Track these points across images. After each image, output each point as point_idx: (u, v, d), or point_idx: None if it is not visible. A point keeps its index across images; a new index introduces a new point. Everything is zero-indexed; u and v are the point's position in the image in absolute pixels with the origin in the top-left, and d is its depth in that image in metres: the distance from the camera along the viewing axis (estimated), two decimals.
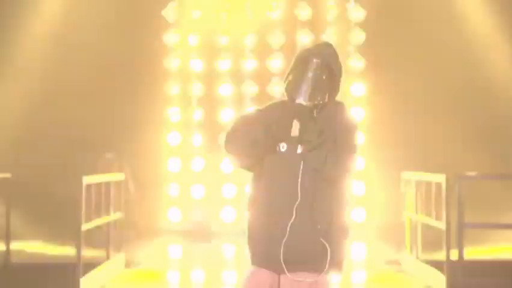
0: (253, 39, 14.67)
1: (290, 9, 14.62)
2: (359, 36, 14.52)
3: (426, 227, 10.18)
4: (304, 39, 14.41)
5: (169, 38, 14.71)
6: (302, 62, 4.20)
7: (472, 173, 10.62)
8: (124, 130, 14.64)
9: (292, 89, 4.17)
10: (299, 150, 4.08)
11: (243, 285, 4.17)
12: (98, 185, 9.74)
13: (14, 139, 14.56)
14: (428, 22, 14.69)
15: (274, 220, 4.10)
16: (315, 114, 4.14)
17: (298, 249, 4.06)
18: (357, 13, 14.53)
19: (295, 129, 4.08)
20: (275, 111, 4.18)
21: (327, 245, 4.09)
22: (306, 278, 4.07)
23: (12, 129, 14.60)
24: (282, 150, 4.16)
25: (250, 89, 14.65)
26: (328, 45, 4.26)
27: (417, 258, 9.92)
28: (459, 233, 8.54)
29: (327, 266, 4.10)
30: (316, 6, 14.63)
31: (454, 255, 8.60)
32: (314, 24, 14.61)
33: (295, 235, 4.05)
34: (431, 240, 11.42)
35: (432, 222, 9.47)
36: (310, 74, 4.15)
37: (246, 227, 4.21)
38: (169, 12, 14.71)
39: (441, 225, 8.91)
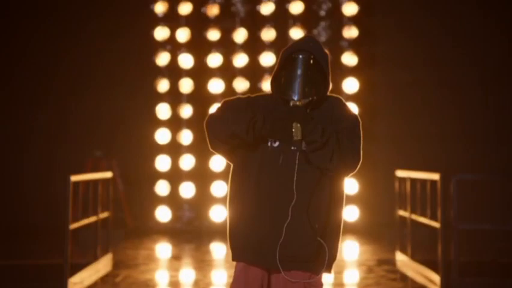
0: (244, 35, 14.70)
1: (282, 4, 14.65)
2: (351, 32, 14.57)
3: (421, 226, 10.23)
4: (296, 35, 14.44)
5: (158, 33, 14.71)
6: (288, 60, 4.17)
7: (468, 172, 10.68)
8: (112, 127, 14.66)
9: (283, 89, 4.13)
10: (303, 148, 4.04)
11: (234, 282, 4.18)
12: (86, 183, 9.75)
13: (2, 135, 14.57)
14: (423, 17, 14.75)
15: (268, 220, 4.08)
16: (308, 111, 4.11)
17: (295, 249, 4.07)
18: (350, 8, 14.57)
19: (297, 132, 4.05)
20: (264, 107, 4.15)
21: (324, 245, 4.12)
22: (300, 277, 4.09)
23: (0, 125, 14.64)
24: (274, 145, 4.14)
25: (241, 85, 14.68)
26: (311, 39, 4.23)
27: (411, 257, 9.96)
28: (454, 233, 8.59)
29: (325, 265, 4.13)
30: (308, 1, 14.67)
31: (449, 254, 8.65)
32: (306, 20, 14.65)
33: (291, 235, 4.05)
34: (425, 239, 11.49)
35: (427, 221, 9.52)
36: (299, 72, 4.12)
37: (229, 221, 4.18)
38: (158, 7, 14.72)
39: (436, 224, 8.97)
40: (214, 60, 14.70)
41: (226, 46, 14.73)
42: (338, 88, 14.37)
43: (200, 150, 14.42)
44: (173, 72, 14.72)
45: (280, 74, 4.18)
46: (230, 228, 4.18)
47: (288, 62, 4.16)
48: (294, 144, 4.05)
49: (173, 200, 14.58)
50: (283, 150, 4.11)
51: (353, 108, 14.36)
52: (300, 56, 4.14)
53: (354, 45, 14.56)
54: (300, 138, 4.04)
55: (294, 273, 4.10)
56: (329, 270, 4.16)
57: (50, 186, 13.90)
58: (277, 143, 4.13)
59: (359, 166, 4.11)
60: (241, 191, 4.16)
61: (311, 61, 4.14)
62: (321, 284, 4.18)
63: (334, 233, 4.15)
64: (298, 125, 4.05)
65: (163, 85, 14.70)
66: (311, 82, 4.12)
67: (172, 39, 14.72)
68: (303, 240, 4.06)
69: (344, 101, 4.27)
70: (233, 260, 4.19)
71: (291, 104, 4.09)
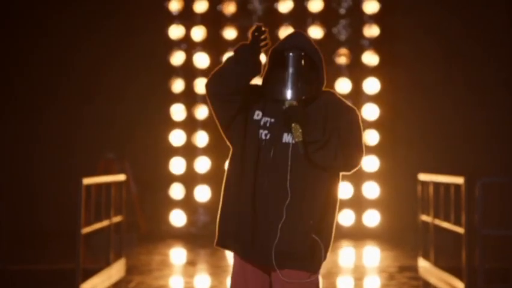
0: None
1: (300, 2, 14.65)
2: (373, 30, 14.54)
3: (444, 232, 10.20)
4: (315, 33, 14.43)
5: (173, 31, 14.74)
6: (278, 58, 4.18)
7: (494, 175, 10.64)
8: (125, 129, 14.70)
9: (275, 89, 4.15)
10: (301, 150, 4.06)
11: (234, 274, 4.22)
12: (98, 186, 9.80)
13: (12, 138, 14.65)
14: (446, 15, 14.70)
15: (262, 218, 4.12)
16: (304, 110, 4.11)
17: (289, 246, 4.09)
18: (371, 6, 14.55)
19: (297, 133, 4.05)
20: (263, 99, 4.19)
21: (319, 241, 4.13)
22: (297, 277, 4.12)
23: (10, 127, 14.70)
24: (264, 138, 4.17)
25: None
26: (300, 35, 4.24)
27: (434, 264, 9.94)
28: (479, 238, 8.56)
29: (321, 263, 4.15)
30: None
31: (473, 261, 8.62)
32: (325, 18, 14.63)
33: (286, 235, 4.09)
34: (449, 245, 11.45)
35: (451, 226, 9.50)
36: (291, 70, 4.13)
37: (222, 209, 4.23)
38: (172, 5, 14.75)
39: (460, 229, 8.94)
40: None
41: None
42: (358, 88, 14.36)
43: (216, 152, 14.43)
44: (188, 72, 14.74)
45: (271, 73, 4.20)
46: (223, 212, 4.23)
47: (279, 61, 4.17)
48: (298, 144, 4.05)
49: (188, 203, 14.61)
50: (274, 144, 4.13)
51: (374, 109, 14.33)
52: (291, 54, 4.15)
53: (375, 44, 14.53)
54: (301, 139, 4.04)
55: (289, 271, 4.12)
56: (319, 270, 4.19)
57: (61, 189, 13.96)
58: (268, 136, 4.15)
59: (362, 160, 4.14)
60: (236, 184, 4.19)
61: (303, 58, 4.15)
62: (318, 285, 4.20)
63: (328, 232, 4.18)
64: (298, 126, 4.05)
65: (177, 85, 14.73)
66: (304, 80, 4.14)
67: (187, 37, 14.75)
68: (297, 236, 4.09)
69: (337, 94, 4.27)
70: (221, 246, 4.22)
71: (287, 104, 4.11)
